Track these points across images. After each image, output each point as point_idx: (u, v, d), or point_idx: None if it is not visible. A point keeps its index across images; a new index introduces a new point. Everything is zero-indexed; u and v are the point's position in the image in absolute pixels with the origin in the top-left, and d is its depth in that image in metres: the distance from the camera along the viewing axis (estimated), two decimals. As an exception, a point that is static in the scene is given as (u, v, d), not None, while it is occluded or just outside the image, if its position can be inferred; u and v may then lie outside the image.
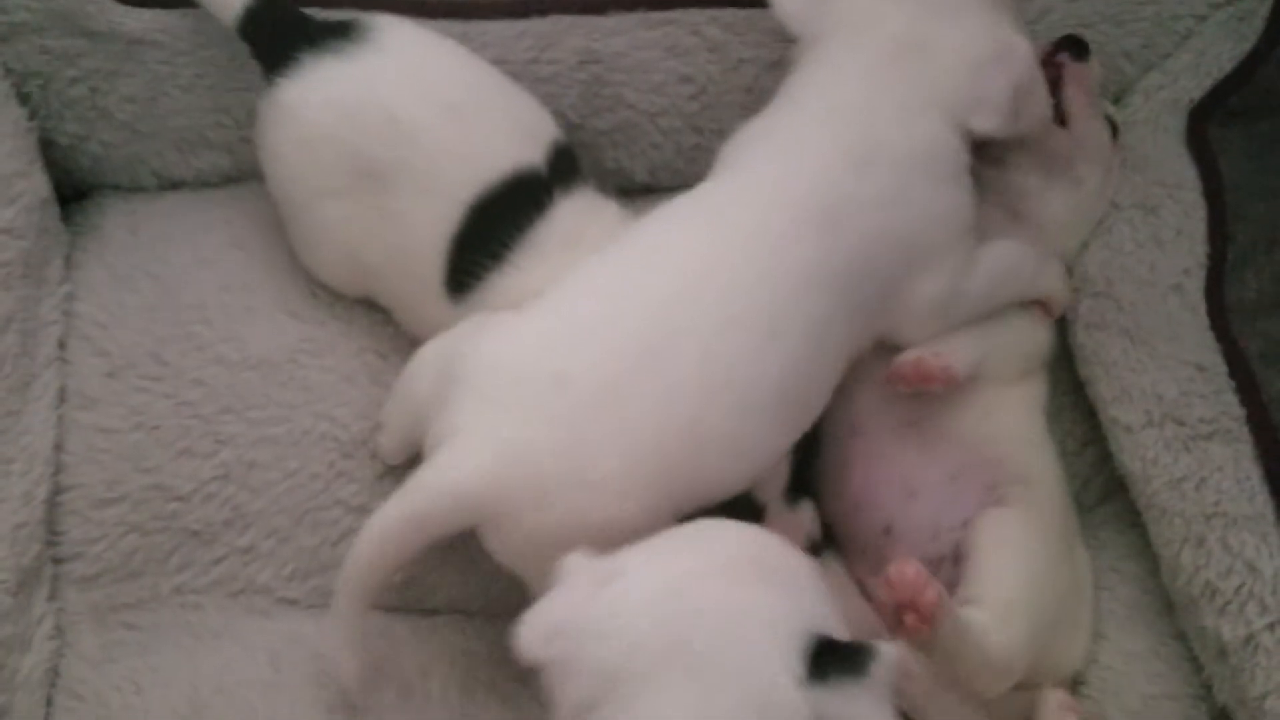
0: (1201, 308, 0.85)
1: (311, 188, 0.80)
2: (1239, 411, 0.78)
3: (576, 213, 0.79)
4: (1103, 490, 0.86)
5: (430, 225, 0.78)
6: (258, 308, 0.85)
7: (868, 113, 0.75)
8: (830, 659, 0.55)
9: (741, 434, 0.69)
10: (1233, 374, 0.80)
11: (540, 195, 0.78)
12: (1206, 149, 0.89)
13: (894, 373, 0.78)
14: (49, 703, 0.76)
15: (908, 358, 0.77)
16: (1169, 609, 0.78)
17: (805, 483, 0.79)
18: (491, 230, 0.78)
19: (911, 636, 0.66)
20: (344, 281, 0.85)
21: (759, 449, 0.71)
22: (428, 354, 0.75)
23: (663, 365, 0.67)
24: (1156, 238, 0.88)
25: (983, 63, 0.76)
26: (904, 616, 0.65)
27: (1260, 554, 0.71)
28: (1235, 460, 0.75)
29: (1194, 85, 0.92)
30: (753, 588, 0.58)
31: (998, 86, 0.76)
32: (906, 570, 0.65)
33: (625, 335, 0.68)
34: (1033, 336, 0.85)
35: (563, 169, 0.81)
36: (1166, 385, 0.81)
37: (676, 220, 0.75)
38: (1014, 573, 0.73)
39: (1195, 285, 0.86)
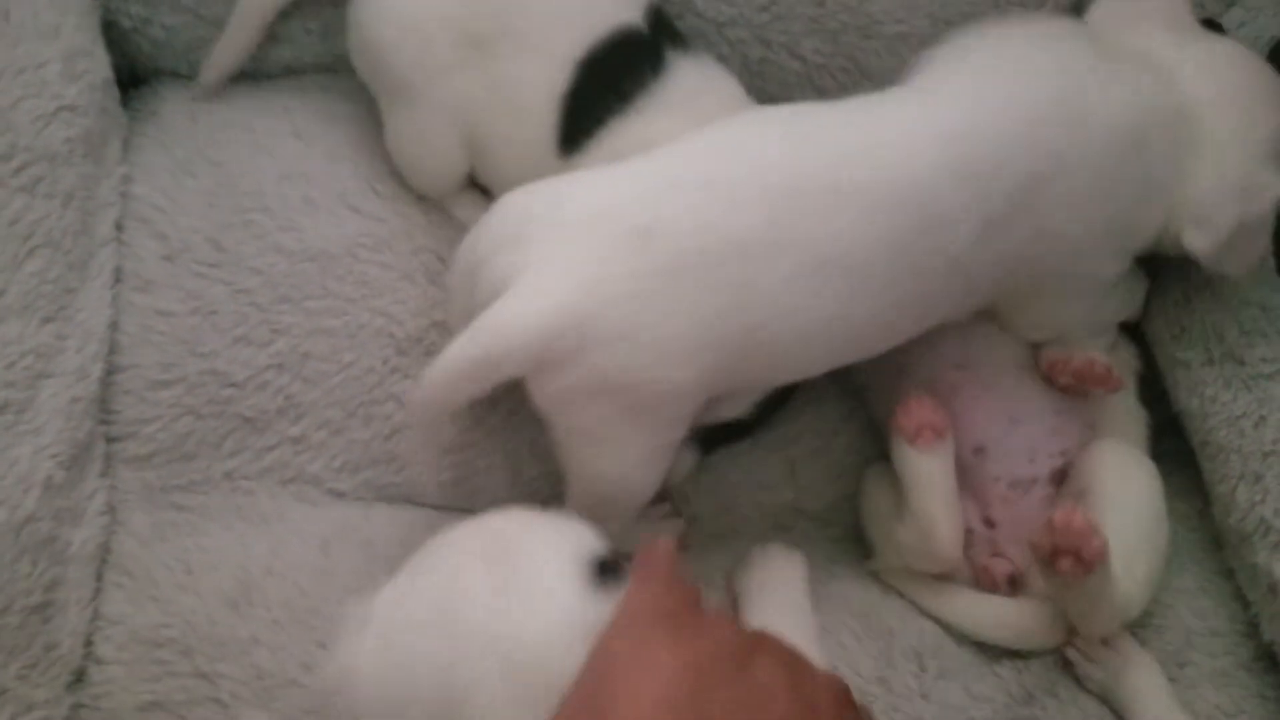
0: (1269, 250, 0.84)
1: (426, 68, 0.79)
2: (1303, 353, 0.78)
3: (695, 73, 0.80)
4: (1154, 430, 0.86)
5: (541, 85, 0.78)
6: (317, 199, 0.84)
7: (1086, 122, 0.69)
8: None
9: (796, 353, 0.69)
10: (1297, 316, 0.80)
11: (651, 51, 0.79)
12: (1285, 88, 0.88)
13: (1066, 369, 0.77)
14: (99, 578, 0.76)
15: (1080, 357, 0.77)
16: (1217, 548, 0.78)
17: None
18: (607, 82, 0.78)
19: (1065, 578, 0.67)
20: (450, 174, 0.84)
21: (804, 368, 0.72)
22: (502, 205, 0.72)
23: (748, 265, 0.65)
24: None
25: (1230, 184, 0.72)
26: (1060, 560, 0.66)
27: (1319, 491, 0.70)
28: (1296, 400, 0.75)
29: (1275, 23, 0.89)
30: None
31: (1228, 215, 0.72)
32: (1074, 519, 0.66)
33: (722, 217, 0.66)
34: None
35: (668, 31, 0.81)
36: (1228, 324, 0.80)
37: (832, 122, 0.71)
38: (1139, 515, 0.74)
39: (1263, 227, 0.85)
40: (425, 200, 0.86)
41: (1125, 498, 0.74)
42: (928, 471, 0.74)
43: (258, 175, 0.84)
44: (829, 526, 0.84)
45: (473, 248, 0.71)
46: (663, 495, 0.81)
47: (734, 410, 0.77)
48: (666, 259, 0.65)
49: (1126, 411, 0.82)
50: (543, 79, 0.78)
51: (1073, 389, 0.78)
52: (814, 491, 0.85)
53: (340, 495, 0.81)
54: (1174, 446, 0.83)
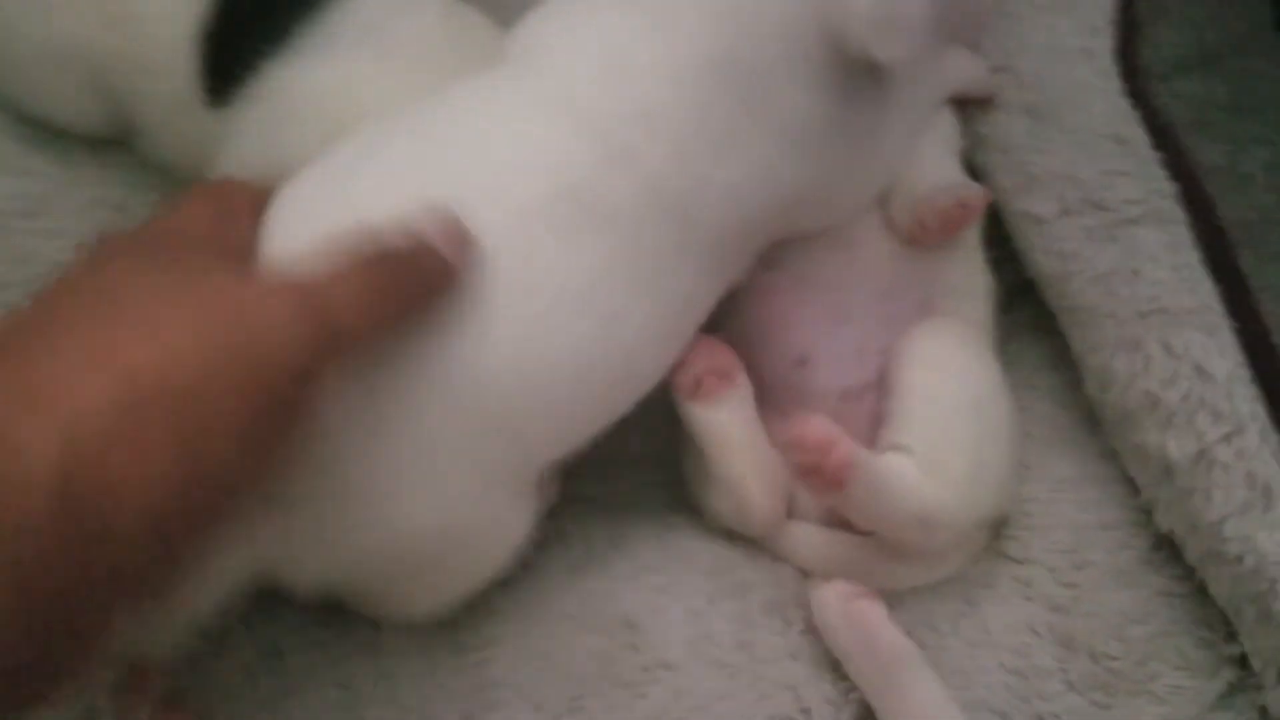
0: (1113, 71, 0.73)
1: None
2: (1169, 188, 0.67)
3: None
4: (1007, 297, 0.75)
5: (169, 21, 0.62)
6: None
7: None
8: None
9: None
10: (1157, 144, 0.69)
11: None
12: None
13: (933, 223, 0.64)
14: None
15: (939, 203, 0.64)
16: (1095, 426, 0.67)
17: None
18: (254, 13, 0.61)
19: (824, 499, 0.57)
20: (91, 115, 0.67)
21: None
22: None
23: None
24: (1059, -2, 0.75)
25: None
26: (808, 479, 0.55)
27: (1209, 353, 0.60)
28: (1171, 246, 0.64)
29: None
30: None
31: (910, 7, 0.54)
32: (808, 431, 0.54)
33: None
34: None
35: None
36: (1082, 165, 0.68)
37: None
38: (948, 403, 0.62)
39: (1104, 46, 0.74)
40: (90, 142, 0.68)
41: (928, 385, 0.62)
42: (723, 427, 0.62)
43: None
44: (663, 471, 0.71)
45: None
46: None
47: None
48: None
49: (968, 280, 0.70)
50: (169, 13, 0.61)
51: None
52: (646, 433, 0.71)
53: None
54: (1033, 313, 0.72)
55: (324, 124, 0.61)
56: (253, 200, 0.51)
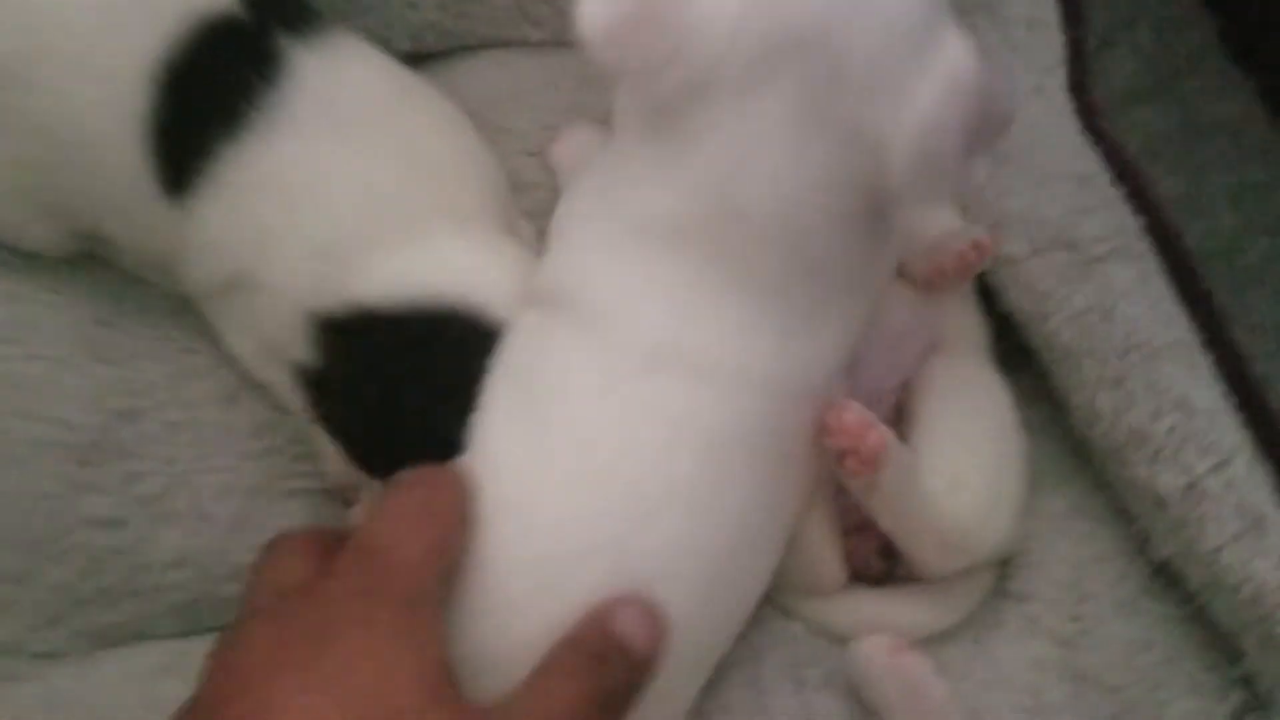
0: (1069, 108, 0.74)
1: None
2: (1134, 222, 0.68)
3: (323, 69, 0.62)
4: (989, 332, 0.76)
5: (109, 114, 0.60)
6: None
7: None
8: None
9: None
10: (1118, 178, 0.70)
11: (257, 48, 0.61)
12: (1045, -80, 0.77)
13: (951, 267, 0.66)
14: None
15: (953, 248, 0.65)
16: (1084, 459, 0.68)
17: None
18: (202, 97, 0.60)
19: (855, 479, 0.58)
20: (51, 235, 0.66)
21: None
22: None
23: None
24: (1007, 38, 0.77)
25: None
26: (846, 461, 0.56)
27: (1191, 387, 0.61)
28: (1142, 280, 0.65)
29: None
30: None
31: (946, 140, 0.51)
32: (846, 416, 0.56)
33: None
34: None
35: (283, 14, 0.63)
36: (1047, 205, 0.70)
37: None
38: (967, 434, 0.64)
39: (1057, 84, 0.75)
40: (69, 261, 0.67)
41: (950, 411, 0.64)
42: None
43: None
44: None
45: None
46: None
47: None
48: None
49: (967, 319, 0.72)
50: (108, 105, 0.60)
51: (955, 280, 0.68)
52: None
53: (49, 656, 0.63)
54: (1012, 346, 0.73)
55: (289, 199, 0.61)
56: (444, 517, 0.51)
